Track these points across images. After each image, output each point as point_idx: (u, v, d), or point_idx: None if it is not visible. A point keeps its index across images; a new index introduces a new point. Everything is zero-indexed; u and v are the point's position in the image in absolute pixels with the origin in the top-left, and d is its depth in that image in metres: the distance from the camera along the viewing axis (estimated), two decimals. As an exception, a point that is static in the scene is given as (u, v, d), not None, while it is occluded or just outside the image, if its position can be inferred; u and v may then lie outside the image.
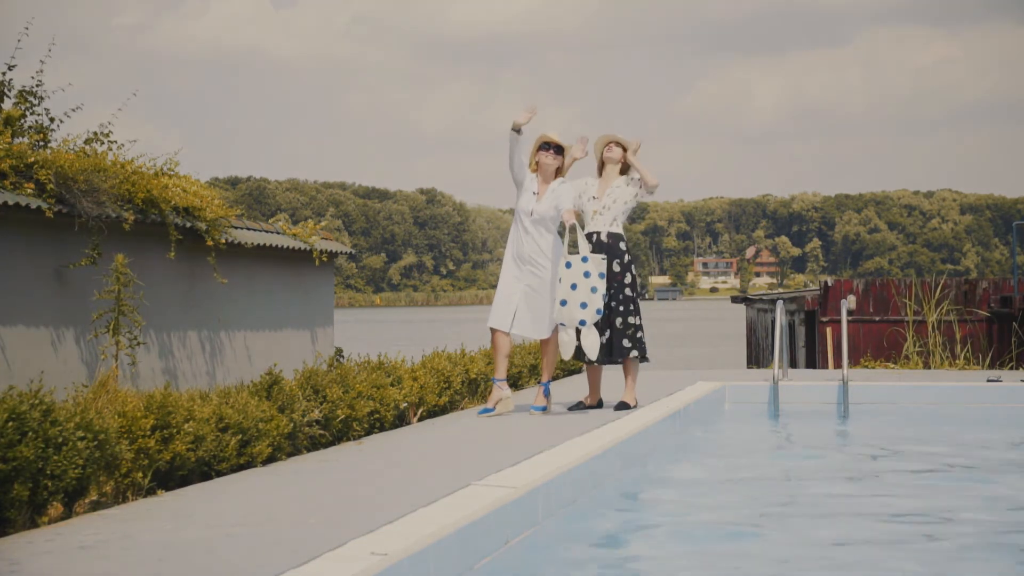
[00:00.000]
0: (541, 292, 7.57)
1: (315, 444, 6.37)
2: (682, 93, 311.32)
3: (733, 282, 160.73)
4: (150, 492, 4.98)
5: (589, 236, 7.70)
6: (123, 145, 8.89)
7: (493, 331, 7.64)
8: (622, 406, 7.79)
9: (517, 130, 7.52)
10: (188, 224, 8.85)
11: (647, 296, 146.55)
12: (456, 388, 8.38)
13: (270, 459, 5.79)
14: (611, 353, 7.72)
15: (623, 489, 5.97)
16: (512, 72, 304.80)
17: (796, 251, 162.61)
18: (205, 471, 5.35)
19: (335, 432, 6.54)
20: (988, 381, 9.83)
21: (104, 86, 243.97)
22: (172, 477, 5.14)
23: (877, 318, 14.80)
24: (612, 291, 7.67)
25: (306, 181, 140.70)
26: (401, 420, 7.54)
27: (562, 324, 7.33)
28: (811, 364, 16.12)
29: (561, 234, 7.64)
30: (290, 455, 6.02)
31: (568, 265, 7.26)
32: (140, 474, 4.90)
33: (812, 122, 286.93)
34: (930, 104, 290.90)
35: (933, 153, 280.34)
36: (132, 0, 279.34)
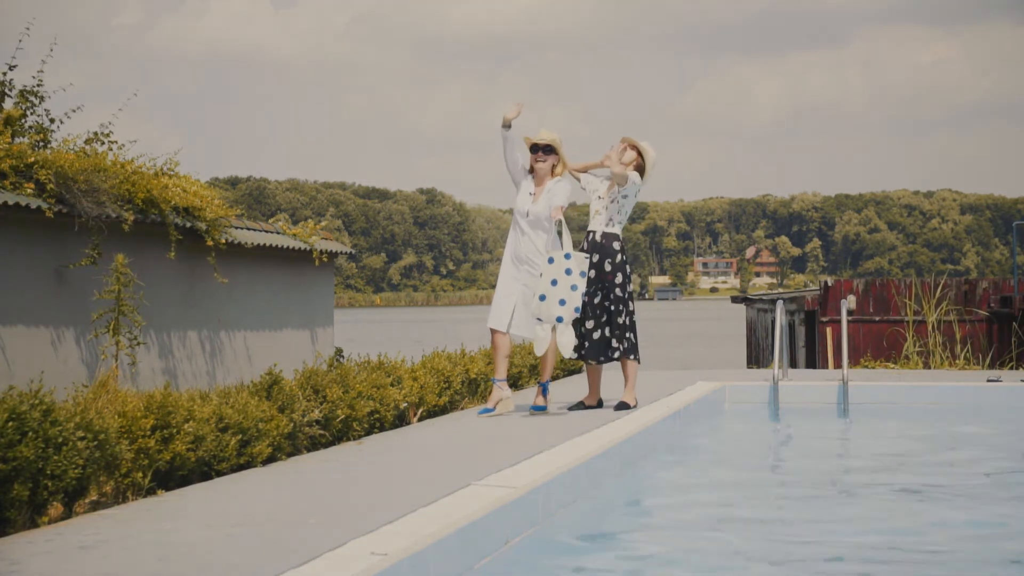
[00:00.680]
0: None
1: (315, 444, 6.37)
2: (682, 93, 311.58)
3: (733, 282, 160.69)
4: (150, 492, 4.98)
5: (586, 235, 7.74)
6: (123, 145, 8.89)
7: (493, 331, 7.66)
8: (622, 406, 7.80)
9: (507, 126, 7.56)
10: (188, 224, 8.84)
11: (647, 296, 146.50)
12: (456, 388, 8.38)
13: (270, 459, 5.79)
14: (600, 352, 7.73)
15: (623, 489, 5.96)
16: (512, 72, 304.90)
17: (796, 251, 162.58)
18: (205, 471, 5.35)
19: (335, 432, 6.54)
20: (988, 381, 9.83)
21: (104, 86, 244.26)
22: (172, 477, 5.14)
23: (877, 318, 14.80)
24: (603, 291, 7.70)
25: (306, 181, 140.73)
26: (401, 420, 7.54)
27: (539, 319, 7.30)
28: (811, 364, 16.12)
29: (560, 233, 7.66)
30: (290, 455, 6.02)
31: (551, 260, 7.25)
32: (140, 474, 4.90)
33: (812, 122, 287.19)
34: (930, 104, 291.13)
35: (933, 153, 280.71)
36: (132, 0, 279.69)
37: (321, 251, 11.20)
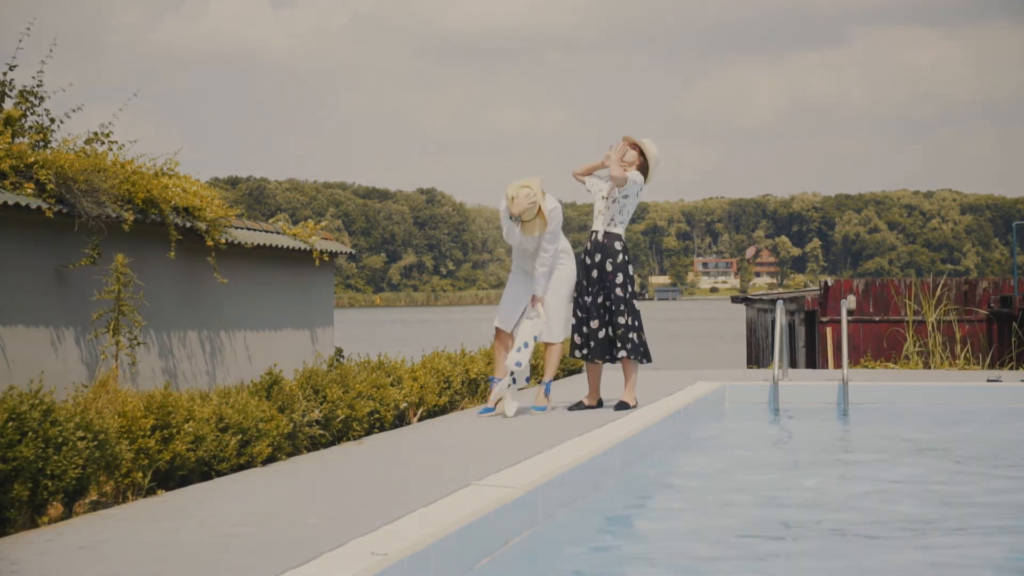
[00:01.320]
0: (548, 296, 7.69)
1: (315, 444, 6.37)
2: (682, 93, 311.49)
3: (733, 282, 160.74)
4: (150, 492, 4.98)
5: (589, 234, 7.80)
6: (123, 145, 8.88)
7: (497, 331, 7.70)
8: (622, 406, 7.80)
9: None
10: (188, 224, 8.84)
11: (647, 296, 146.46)
12: (456, 388, 8.39)
13: (270, 459, 5.79)
14: (605, 352, 7.75)
15: (623, 489, 5.96)
16: (512, 72, 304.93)
17: (796, 251, 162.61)
18: (205, 471, 5.35)
19: (335, 432, 6.54)
20: (988, 381, 9.83)
21: (104, 86, 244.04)
22: (172, 477, 5.14)
23: (877, 318, 14.80)
24: (605, 291, 7.72)
25: (306, 181, 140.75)
26: (401, 420, 7.54)
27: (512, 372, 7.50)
28: (811, 364, 16.12)
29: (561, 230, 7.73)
30: (290, 455, 6.02)
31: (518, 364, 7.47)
32: (140, 474, 4.90)
33: (812, 122, 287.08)
34: (930, 104, 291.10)
35: (933, 153, 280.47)
36: (132, 0, 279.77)
37: (321, 251, 11.19)
